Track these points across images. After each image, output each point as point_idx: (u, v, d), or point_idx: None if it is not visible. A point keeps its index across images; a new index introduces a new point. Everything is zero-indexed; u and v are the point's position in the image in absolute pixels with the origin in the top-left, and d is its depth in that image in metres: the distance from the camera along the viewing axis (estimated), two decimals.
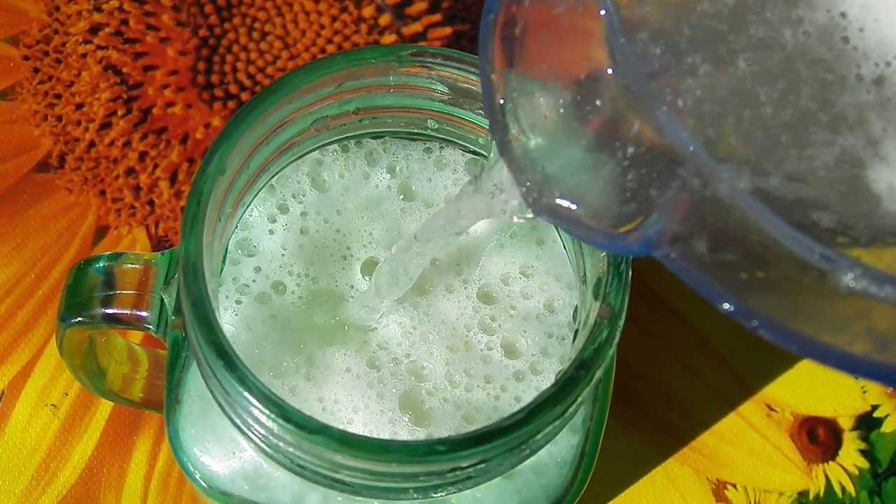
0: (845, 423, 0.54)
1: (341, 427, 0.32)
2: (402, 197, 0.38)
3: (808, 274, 0.27)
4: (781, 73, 0.30)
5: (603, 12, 0.29)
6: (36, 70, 0.57)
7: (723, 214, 0.28)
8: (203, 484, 0.35)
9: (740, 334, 0.54)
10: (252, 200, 0.37)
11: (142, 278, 0.37)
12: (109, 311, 0.37)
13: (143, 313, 0.37)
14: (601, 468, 0.51)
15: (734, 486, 0.52)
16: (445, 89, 0.36)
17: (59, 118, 0.56)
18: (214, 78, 0.57)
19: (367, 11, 0.58)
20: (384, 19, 0.58)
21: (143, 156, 0.55)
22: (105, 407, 0.51)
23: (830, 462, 0.53)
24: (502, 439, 0.30)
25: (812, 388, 0.54)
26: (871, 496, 0.52)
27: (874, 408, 0.54)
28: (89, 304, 0.38)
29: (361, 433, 0.34)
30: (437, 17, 0.59)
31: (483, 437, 0.30)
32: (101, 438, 0.51)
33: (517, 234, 0.38)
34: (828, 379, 0.54)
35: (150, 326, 0.37)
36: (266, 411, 0.30)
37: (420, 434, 0.35)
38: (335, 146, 0.38)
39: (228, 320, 0.36)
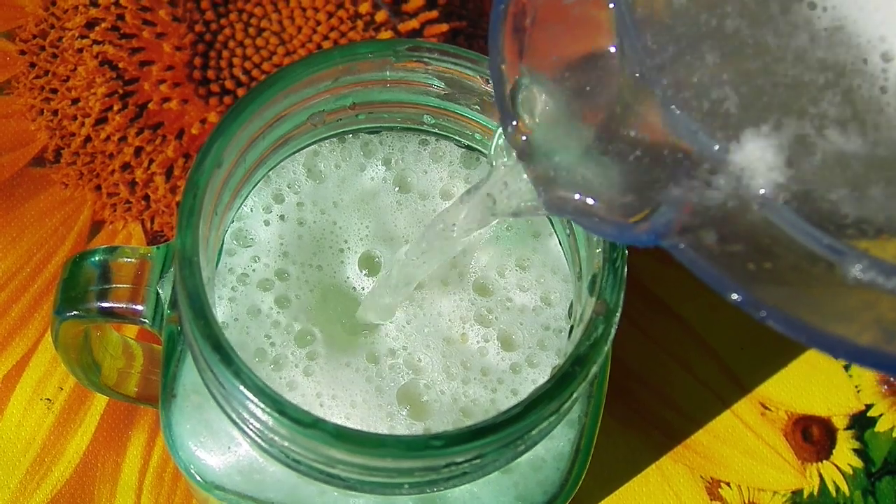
0: (839, 422, 0.54)
1: (339, 422, 0.32)
2: (397, 189, 0.38)
3: (815, 265, 0.27)
4: (793, 69, 0.30)
5: (612, 4, 0.29)
6: (32, 65, 0.57)
7: (731, 206, 0.28)
8: (198, 478, 0.35)
9: (735, 333, 0.55)
10: (248, 194, 0.37)
11: (137, 272, 0.37)
12: (105, 304, 0.37)
13: (139, 307, 0.37)
14: (595, 466, 0.51)
15: (728, 484, 0.52)
16: (442, 84, 0.36)
17: (55, 113, 0.56)
18: (211, 73, 0.57)
19: (364, 7, 0.58)
20: (381, 16, 0.58)
21: (138, 151, 0.55)
22: (100, 401, 0.51)
23: (824, 461, 0.53)
24: (498, 434, 0.30)
25: (806, 387, 0.54)
26: (864, 495, 0.53)
27: (868, 407, 0.54)
28: (85, 298, 0.38)
29: (359, 428, 0.34)
30: (434, 13, 0.59)
31: (479, 433, 0.30)
32: (95, 433, 0.51)
33: (513, 227, 0.38)
34: (822, 378, 0.54)
35: (146, 320, 0.37)
36: (261, 405, 0.30)
37: (418, 428, 0.35)
38: (331, 140, 0.38)
39: (224, 312, 0.36)
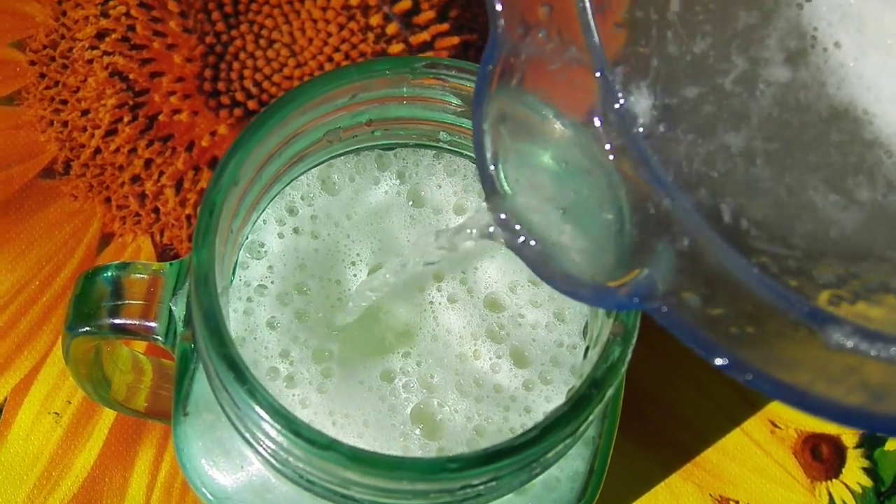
0: (849, 440, 0.54)
1: (351, 441, 0.32)
2: (411, 203, 0.38)
3: (798, 330, 0.27)
4: (779, 135, 0.30)
5: (598, 74, 0.29)
6: (42, 75, 0.57)
7: (714, 272, 0.28)
8: (210, 497, 0.35)
9: None
10: (263, 210, 0.37)
11: (150, 289, 0.37)
12: (117, 321, 0.37)
13: (152, 324, 0.37)
14: (605, 484, 0.51)
15: (737, 502, 0.52)
16: (459, 101, 0.36)
17: (65, 124, 0.56)
18: (221, 85, 0.57)
19: (375, 20, 0.58)
20: (391, 28, 0.58)
21: (148, 163, 0.55)
22: (108, 416, 0.51)
23: (834, 480, 0.53)
24: (514, 457, 0.30)
25: None
26: None
27: None
28: (97, 314, 0.37)
29: (372, 447, 0.34)
30: (445, 26, 0.58)
31: (495, 455, 0.30)
32: (103, 447, 0.51)
33: None
34: None
35: (159, 337, 0.37)
36: (276, 426, 0.30)
37: (431, 448, 0.35)
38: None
39: (238, 326, 0.36)
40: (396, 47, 0.58)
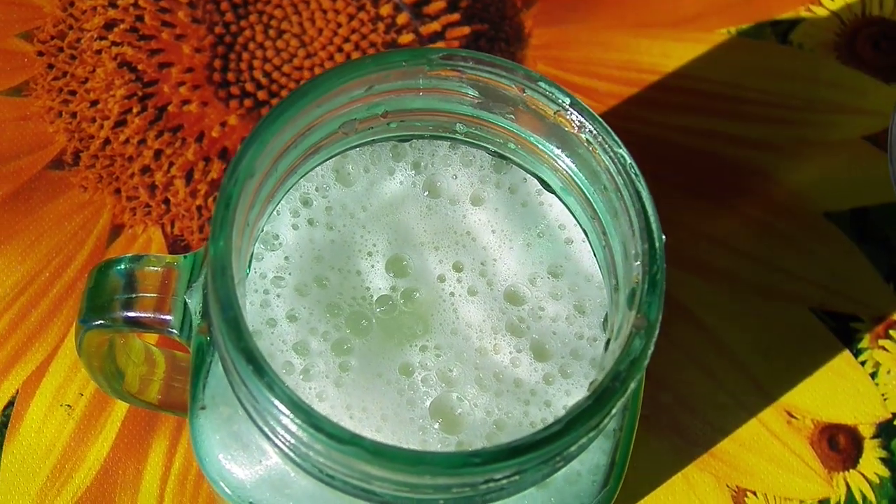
0: (866, 430, 0.53)
1: (369, 435, 0.31)
2: (426, 194, 0.38)
3: None
4: None
5: None
6: (50, 66, 0.57)
7: None
8: (228, 492, 0.35)
9: (759, 340, 0.54)
10: (279, 202, 0.37)
11: (164, 281, 0.37)
12: (131, 314, 0.37)
13: (167, 317, 0.37)
14: None
15: (754, 493, 0.52)
16: (476, 93, 0.35)
17: (74, 115, 0.56)
18: (231, 76, 0.56)
19: (385, 10, 0.58)
20: (402, 18, 0.57)
21: (158, 154, 0.55)
22: (121, 408, 0.51)
23: (851, 470, 0.53)
24: (538, 452, 0.30)
25: (833, 396, 0.53)
26: None
27: (895, 416, 0.53)
28: (110, 307, 0.37)
29: (390, 442, 0.33)
30: (456, 16, 0.58)
31: (518, 450, 0.30)
32: (116, 439, 0.51)
33: (545, 234, 0.37)
34: (848, 386, 0.54)
35: (174, 331, 0.37)
36: (296, 420, 0.30)
37: (451, 442, 0.35)
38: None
39: (255, 318, 0.36)
40: (406, 37, 0.57)
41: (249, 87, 0.56)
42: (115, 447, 0.50)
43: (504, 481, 0.31)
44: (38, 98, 0.56)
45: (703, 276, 0.55)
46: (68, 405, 0.51)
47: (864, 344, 0.54)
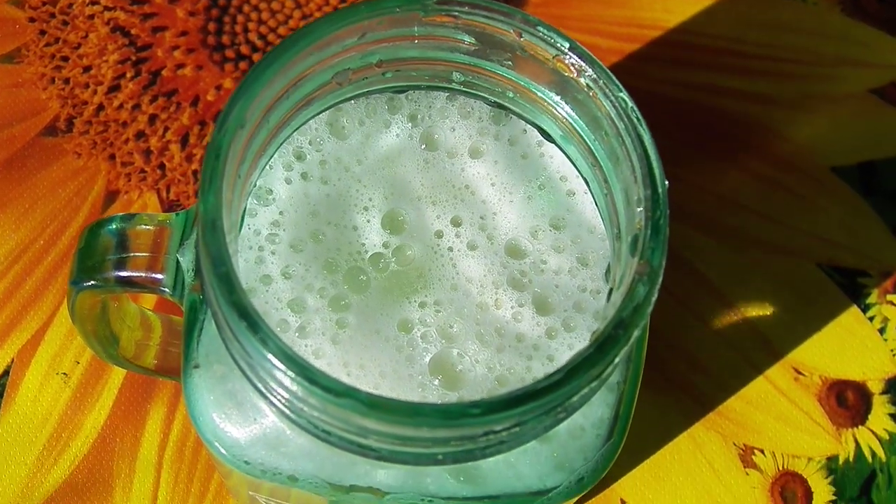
0: (875, 386, 0.52)
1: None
2: (424, 147, 0.37)
3: None
4: None
5: None
6: (42, 32, 0.56)
7: None
8: (223, 452, 0.34)
9: (765, 296, 0.53)
10: (271, 156, 0.36)
11: (156, 240, 0.36)
12: (123, 274, 0.36)
13: (159, 276, 0.36)
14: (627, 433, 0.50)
15: (762, 451, 0.51)
16: (472, 39, 0.34)
17: (67, 81, 0.55)
18: (225, 39, 0.55)
19: None
20: None
21: (153, 119, 0.54)
22: (117, 375, 0.50)
23: (860, 426, 0.52)
24: (538, 401, 0.29)
25: (840, 351, 0.53)
26: None
27: None
28: (102, 267, 0.36)
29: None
30: None
31: (518, 400, 0.29)
32: (113, 407, 0.50)
33: (546, 186, 0.37)
34: (856, 342, 0.53)
35: (166, 290, 0.36)
36: (290, 374, 0.29)
37: (451, 399, 0.34)
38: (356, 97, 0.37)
39: (249, 276, 0.35)
40: None
41: (244, 49, 0.55)
42: (112, 415, 0.50)
43: (504, 433, 0.30)
44: (31, 65, 0.55)
45: (709, 232, 0.54)
46: (64, 373, 0.50)
47: (872, 299, 0.54)
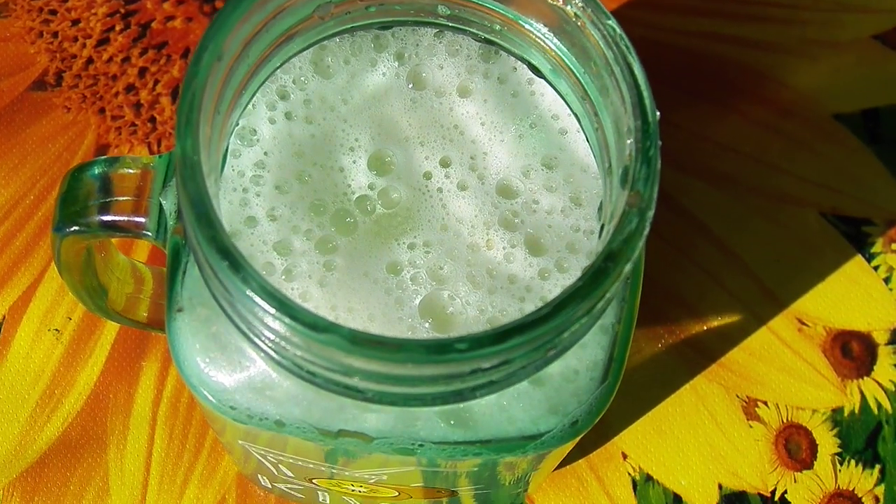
0: (880, 336, 0.52)
1: None
2: (411, 86, 0.36)
3: None
4: None
5: None
6: None
7: None
8: (209, 397, 0.33)
9: (767, 245, 0.52)
10: (254, 93, 0.35)
11: (140, 183, 0.35)
12: (107, 218, 0.35)
13: (141, 219, 0.35)
14: (628, 387, 0.49)
15: (765, 403, 0.50)
16: None
17: (55, 35, 0.54)
18: None
19: None
20: None
21: (143, 72, 0.53)
22: (110, 331, 0.50)
23: (865, 377, 0.51)
24: (526, 335, 0.28)
25: (845, 302, 0.52)
26: None
27: None
28: (86, 212, 0.36)
29: None
30: None
31: (506, 334, 0.28)
32: (106, 363, 0.49)
33: (537, 124, 0.36)
34: (861, 292, 0.52)
35: (149, 233, 0.35)
36: (271, 311, 0.28)
37: None
38: (341, 35, 0.36)
39: (233, 218, 0.34)
40: None
41: None
42: (105, 371, 0.49)
43: (493, 372, 0.29)
44: (18, 19, 0.54)
45: (710, 181, 0.53)
46: (56, 330, 0.50)
47: (876, 248, 0.53)
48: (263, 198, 0.35)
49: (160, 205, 0.35)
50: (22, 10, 0.54)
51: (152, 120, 0.52)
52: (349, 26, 0.35)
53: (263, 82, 0.35)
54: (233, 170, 0.35)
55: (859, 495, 0.49)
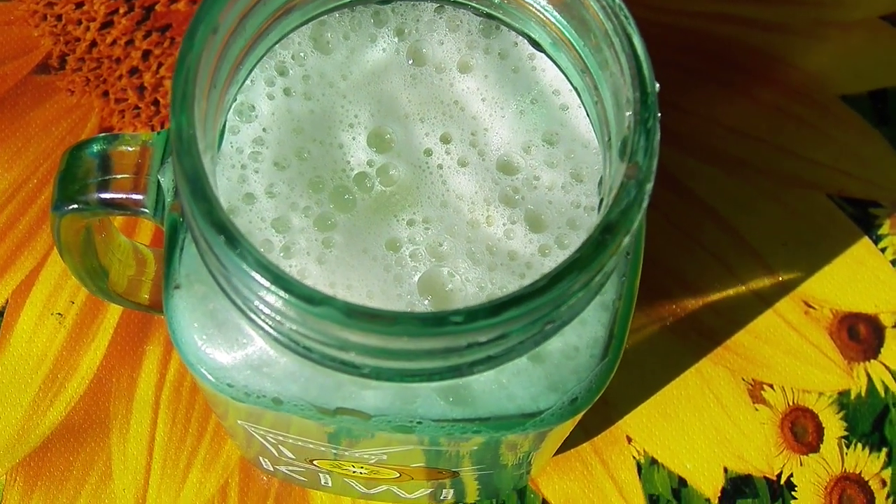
0: (887, 319, 0.51)
1: None
2: (411, 62, 0.36)
3: None
4: None
5: None
6: None
7: None
8: (207, 375, 0.33)
9: (773, 227, 0.52)
10: (252, 68, 0.35)
11: (139, 160, 0.35)
12: (106, 195, 0.35)
13: (139, 196, 0.35)
14: (633, 369, 0.49)
15: (771, 386, 0.50)
16: None
17: (59, 17, 0.54)
18: None
19: None
20: None
21: (146, 54, 0.53)
22: (113, 315, 0.49)
23: (872, 360, 0.51)
24: (523, 307, 0.28)
25: (852, 284, 0.51)
26: None
27: None
28: (85, 190, 0.35)
29: None
30: None
31: (503, 306, 0.28)
32: (109, 347, 0.49)
33: (538, 101, 0.35)
34: (868, 274, 0.52)
35: (147, 210, 0.35)
36: (267, 284, 0.28)
37: None
38: (340, 10, 0.36)
39: (231, 197, 0.34)
40: None
41: None
42: (108, 355, 0.49)
43: (491, 346, 0.29)
44: (22, 2, 0.54)
45: (717, 163, 0.53)
46: (59, 314, 0.49)
47: (884, 230, 0.52)
48: (262, 174, 0.34)
49: (158, 182, 0.35)
50: None
51: (156, 103, 0.52)
52: (348, 0, 0.35)
53: (262, 57, 0.35)
54: (231, 146, 0.34)
55: (866, 479, 0.49)
